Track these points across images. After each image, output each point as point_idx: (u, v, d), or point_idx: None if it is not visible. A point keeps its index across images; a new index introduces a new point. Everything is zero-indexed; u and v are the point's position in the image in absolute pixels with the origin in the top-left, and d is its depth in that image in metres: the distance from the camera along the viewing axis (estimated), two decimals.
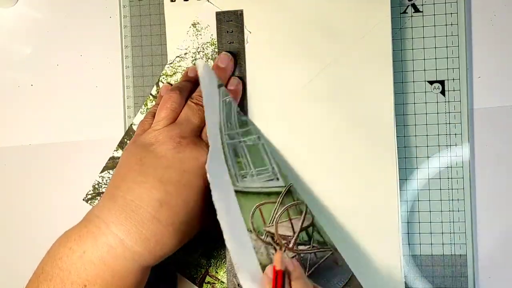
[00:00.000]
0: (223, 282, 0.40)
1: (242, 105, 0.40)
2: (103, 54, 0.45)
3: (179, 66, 0.41)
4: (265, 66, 0.41)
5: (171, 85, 0.40)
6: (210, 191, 0.30)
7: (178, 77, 0.41)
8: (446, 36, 0.40)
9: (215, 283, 0.40)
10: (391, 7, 0.39)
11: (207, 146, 0.32)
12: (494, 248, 0.40)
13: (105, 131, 0.45)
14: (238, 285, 0.39)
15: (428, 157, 0.41)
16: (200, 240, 0.39)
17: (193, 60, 0.41)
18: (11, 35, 0.47)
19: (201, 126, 0.34)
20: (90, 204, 0.42)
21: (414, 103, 0.41)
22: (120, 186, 0.31)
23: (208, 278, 0.40)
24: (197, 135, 0.34)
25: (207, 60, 0.41)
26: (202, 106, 0.34)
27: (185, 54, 0.41)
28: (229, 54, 0.38)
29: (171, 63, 0.41)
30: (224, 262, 0.40)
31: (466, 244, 0.40)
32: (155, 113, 0.36)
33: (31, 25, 0.46)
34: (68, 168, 0.46)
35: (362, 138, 0.40)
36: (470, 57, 0.41)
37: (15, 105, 0.47)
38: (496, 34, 0.41)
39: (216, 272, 0.40)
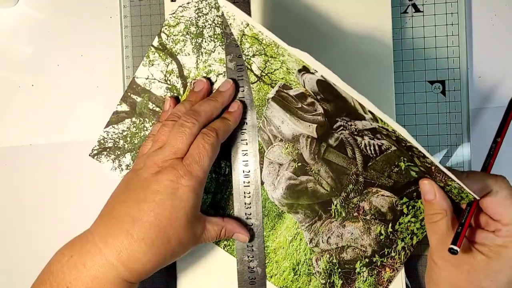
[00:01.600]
0: None
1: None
2: (103, 54, 0.45)
3: (181, 16, 0.40)
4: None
5: (175, 98, 0.40)
6: (188, 211, 0.33)
7: (181, 27, 0.41)
8: (447, 36, 0.40)
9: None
10: (392, 7, 0.39)
11: (186, 169, 0.34)
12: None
13: None
14: (247, 245, 0.40)
15: None
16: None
17: (196, 10, 0.40)
18: (11, 35, 0.47)
19: (185, 149, 0.35)
20: (97, 159, 0.42)
21: (415, 103, 0.41)
22: (108, 204, 0.35)
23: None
24: (179, 158, 0.34)
25: (210, 10, 0.40)
26: (188, 127, 0.35)
27: (188, 3, 0.40)
28: (230, 80, 0.39)
29: (173, 13, 0.40)
30: None
31: None
32: (153, 134, 0.38)
33: (31, 25, 0.46)
34: (68, 168, 0.46)
35: None
36: (470, 57, 0.41)
37: (15, 105, 0.47)
38: (496, 34, 0.41)
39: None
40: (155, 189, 0.33)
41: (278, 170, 0.39)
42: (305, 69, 0.33)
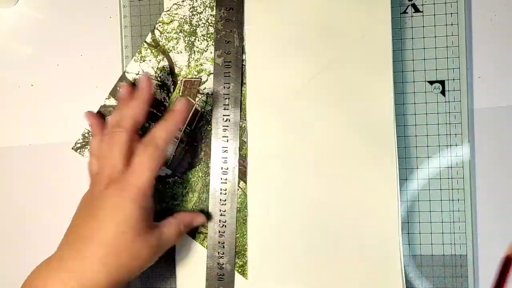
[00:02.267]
0: None
1: (240, 104, 0.40)
2: (103, 54, 0.45)
3: (176, 13, 0.40)
4: (264, 65, 0.41)
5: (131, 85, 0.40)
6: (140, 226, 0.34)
7: (175, 25, 0.41)
8: (446, 36, 0.40)
9: (207, 233, 0.41)
10: (391, 7, 0.39)
11: (128, 182, 0.34)
12: (494, 248, 0.40)
13: None
14: (219, 242, 0.40)
15: (428, 157, 0.41)
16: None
17: (190, 8, 0.41)
18: (11, 35, 0.47)
19: (123, 160, 0.34)
20: (79, 153, 0.42)
21: (414, 103, 0.41)
22: (72, 221, 0.36)
23: (200, 228, 0.41)
24: (120, 170, 0.34)
25: (205, 9, 0.40)
26: (118, 139, 0.35)
27: (183, 1, 0.40)
28: (183, 99, 0.38)
29: (167, 10, 0.40)
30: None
31: (466, 244, 0.40)
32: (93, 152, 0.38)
33: (31, 25, 0.46)
34: (68, 168, 0.46)
35: (362, 138, 0.40)
36: (470, 57, 0.41)
37: (15, 105, 0.47)
38: (496, 34, 0.41)
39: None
40: (100, 205, 0.34)
41: None
42: None
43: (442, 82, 0.40)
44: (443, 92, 0.40)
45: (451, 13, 0.40)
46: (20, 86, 0.47)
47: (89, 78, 0.46)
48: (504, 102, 0.41)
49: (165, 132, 0.36)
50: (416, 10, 0.41)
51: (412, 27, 0.41)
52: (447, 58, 0.40)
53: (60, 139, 0.46)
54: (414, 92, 0.41)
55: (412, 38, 0.41)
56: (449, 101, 0.40)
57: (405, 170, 0.41)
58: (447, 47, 0.40)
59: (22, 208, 0.47)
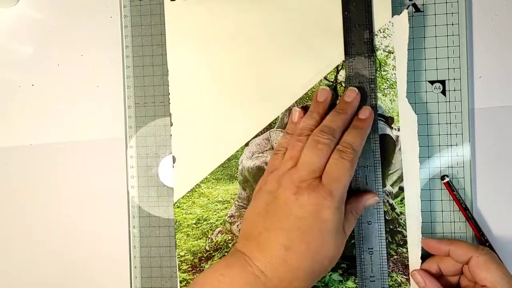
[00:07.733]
0: None
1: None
2: (104, 54, 0.45)
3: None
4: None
5: (304, 109, 0.38)
6: (333, 230, 0.33)
7: None
8: (447, 35, 0.40)
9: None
10: (392, 7, 0.39)
11: (327, 190, 0.33)
12: (495, 248, 0.40)
13: (105, 131, 0.45)
14: None
15: (429, 157, 0.41)
16: None
17: None
18: (11, 35, 0.47)
19: (322, 167, 0.33)
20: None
21: (415, 103, 0.41)
22: (251, 230, 0.34)
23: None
24: (317, 177, 0.33)
25: None
26: (325, 144, 0.34)
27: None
28: (355, 88, 0.37)
29: None
30: None
31: None
32: (284, 147, 0.37)
33: (32, 25, 0.46)
34: (69, 168, 0.46)
35: None
36: (471, 57, 0.41)
37: (15, 105, 0.47)
38: (497, 34, 0.41)
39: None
40: (300, 215, 0.32)
41: (266, 150, 0.40)
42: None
43: (442, 82, 0.40)
44: (443, 92, 0.41)
45: (452, 13, 0.40)
46: (21, 86, 0.47)
47: (89, 78, 0.46)
48: (504, 102, 0.41)
49: (359, 137, 0.35)
50: (417, 9, 0.41)
51: (412, 27, 0.41)
52: (448, 58, 0.40)
53: (60, 139, 0.46)
54: (415, 92, 0.41)
55: (413, 38, 0.41)
56: (449, 101, 0.40)
57: None
58: (447, 46, 0.40)
59: (22, 208, 0.47)
